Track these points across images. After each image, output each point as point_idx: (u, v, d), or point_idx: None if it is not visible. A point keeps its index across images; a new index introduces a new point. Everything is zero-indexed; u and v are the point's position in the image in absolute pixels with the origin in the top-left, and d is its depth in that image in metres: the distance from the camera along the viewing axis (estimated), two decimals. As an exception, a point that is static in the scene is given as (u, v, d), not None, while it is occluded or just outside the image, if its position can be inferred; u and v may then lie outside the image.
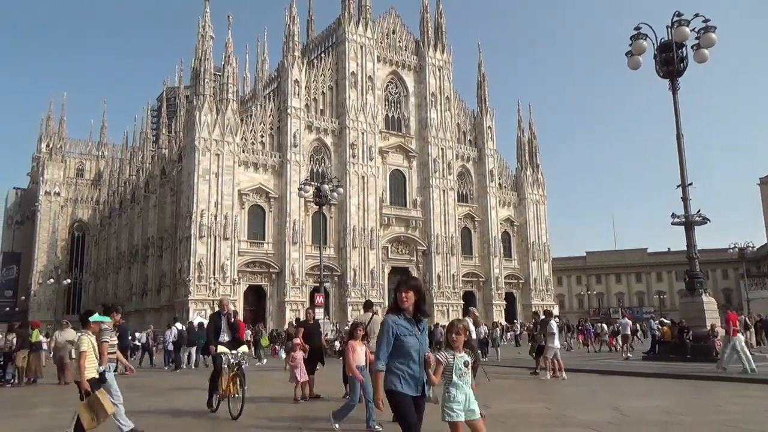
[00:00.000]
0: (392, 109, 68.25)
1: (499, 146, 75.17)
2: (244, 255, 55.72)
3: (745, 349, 15.34)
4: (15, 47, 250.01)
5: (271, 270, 56.97)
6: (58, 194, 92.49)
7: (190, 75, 61.31)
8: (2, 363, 16.21)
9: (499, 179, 74.17)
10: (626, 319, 26.53)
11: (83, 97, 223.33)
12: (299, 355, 11.58)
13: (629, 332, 25.64)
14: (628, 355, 23.50)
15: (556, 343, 15.23)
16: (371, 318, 9.73)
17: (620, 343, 25.84)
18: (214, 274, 52.48)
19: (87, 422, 6.64)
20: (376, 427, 7.87)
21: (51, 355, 17.97)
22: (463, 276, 67.34)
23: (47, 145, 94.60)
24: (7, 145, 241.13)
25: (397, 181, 66.95)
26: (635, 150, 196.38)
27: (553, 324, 14.06)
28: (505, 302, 70.18)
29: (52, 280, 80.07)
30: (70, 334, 14.30)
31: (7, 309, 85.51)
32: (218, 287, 52.42)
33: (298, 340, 12.97)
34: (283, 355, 25.92)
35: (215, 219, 53.31)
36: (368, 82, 64.60)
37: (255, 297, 56.91)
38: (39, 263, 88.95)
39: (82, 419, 6.68)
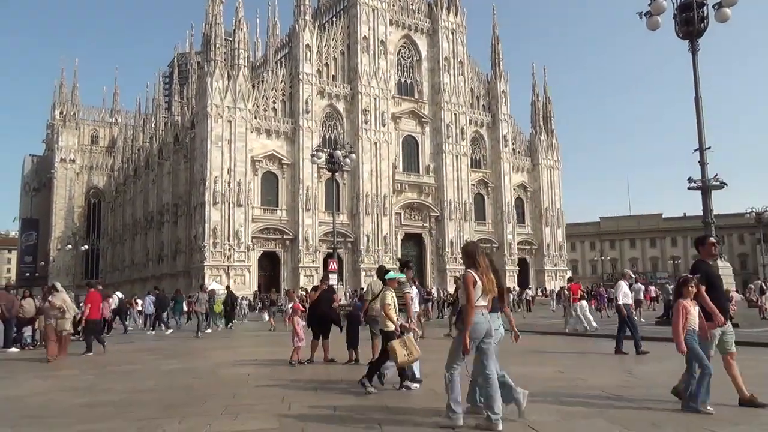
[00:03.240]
0: (405, 74, 67.43)
1: (513, 111, 74.32)
2: (258, 221, 56.10)
3: (587, 313, 19.39)
4: (27, 16, 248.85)
5: (284, 236, 57.40)
6: (74, 161, 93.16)
7: (201, 41, 60.75)
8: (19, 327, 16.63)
9: (513, 144, 73.48)
10: (639, 284, 26.51)
11: (95, 63, 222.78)
12: (298, 319, 11.96)
13: (642, 297, 25.66)
14: (641, 319, 23.58)
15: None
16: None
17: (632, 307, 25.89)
18: (228, 241, 52.99)
19: (401, 357, 7.36)
20: None
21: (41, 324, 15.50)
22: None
23: (61, 112, 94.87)
24: (23, 112, 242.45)
25: (410, 147, 66.58)
26: (652, 114, 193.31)
27: (622, 284, 13.98)
28: (518, 268, 70.32)
29: (70, 246, 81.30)
30: (59, 298, 13.63)
31: (27, 274, 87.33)
32: (233, 253, 53.00)
33: (296, 305, 13.24)
34: (266, 317, 27.95)
35: (229, 186, 53.55)
36: (380, 46, 63.73)
37: (269, 263, 57.50)
38: (57, 229, 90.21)
39: (396, 355, 7.35)
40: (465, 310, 5.79)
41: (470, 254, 6.03)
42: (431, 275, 64.13)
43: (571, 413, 6.51)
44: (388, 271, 8.76)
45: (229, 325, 25.49)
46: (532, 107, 75.84)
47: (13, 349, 15.78)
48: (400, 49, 67.21)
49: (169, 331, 23.63)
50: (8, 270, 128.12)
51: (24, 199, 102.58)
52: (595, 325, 18.95)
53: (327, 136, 60.26)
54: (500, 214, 69.99)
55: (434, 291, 41.66)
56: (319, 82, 60.57)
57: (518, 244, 71.30)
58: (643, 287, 26.83)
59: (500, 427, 5.53)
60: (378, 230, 60.92)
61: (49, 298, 12.94)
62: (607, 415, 6.32)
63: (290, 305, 24.09)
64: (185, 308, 28.15)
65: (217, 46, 55.14)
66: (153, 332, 23.48)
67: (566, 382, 8.78)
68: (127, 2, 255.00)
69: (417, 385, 8.20)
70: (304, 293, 27.38)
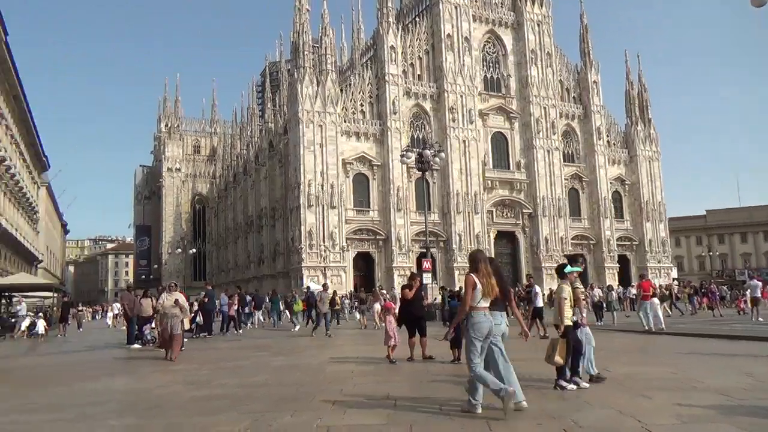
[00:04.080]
0: (490, 69, 66.42)
1: (605, 101, 71.24)
2: (351, 222, 57.24)
3: (658, 312, 18.79)
4: (132, 37, 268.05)
5: (377, 237, 58.21)
6: (179, 170, 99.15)
7: (290, 49, 62.89)
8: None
9: (608, 136, 70.43)
10: (755, 281, 24.65)
11: (195, 77, 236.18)
12: (390, 318, 12.12)
13: (759, 294, 23.85)
14: (759, 318, 21.94)
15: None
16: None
17: (749, 306, 24.15)
18: (323, 242, 54.45)
19: (561, 357, 7.62)
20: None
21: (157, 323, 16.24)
22: (571, 239, 65.17)
23: (166, 125, 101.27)
24: (135, 126, 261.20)
25: (499, 143, 65.50)
26: (762, 97, 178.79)
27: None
28: (618, 265, 67.29)
29: (179, 250, 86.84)
30: (172, 297, 13.90)
31: (143, 277, 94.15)
32: (328, 254, 54.41)
33: (389, 303, 13.40)
34: (358, 316, 27.95)
35: (322, 188, 55.02)
36: (464, 43, 63.18)
37: (364, 263, 58.53)
38: (167, 234, 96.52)
39: (559, 353, 7.61)
40: (460, 307, 6.72)
41: (472, 260, 6.68)
42: (526, 273, 62.72)
43: (693, 416, 6.18)
44: (565, 265, 8.69)
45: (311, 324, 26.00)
46: (627, 97, 72.36)
47: (136, 346, 17.08)
48: (484, 45, 66.30)
49: (239, 331, 23.47)
50: (126, 273, 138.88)
51: (137, 207, 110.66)
52: (662, 326, 18.31)
53: (415, 136, 60.51)
54: (596, 210, 67.30)
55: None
56: (405, 83, 60.93)
57: (617, 240, 68.21)
58: (759, 284, 24.90)
59: (479, 411, 6.31)
60: (470, 228, 60.41)
61: (165, 297, 13.79)
62: (735, 421, 5.88)
63: (376, 305, 24.53)
64: (281, 307, 29.00)
65: (306, 53, 56.84)
66: (241, 331, 23.59)
67: (680, 383, 8.36)
68: (220, 18, 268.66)
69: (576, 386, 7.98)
70: (385, 292, 27.82)
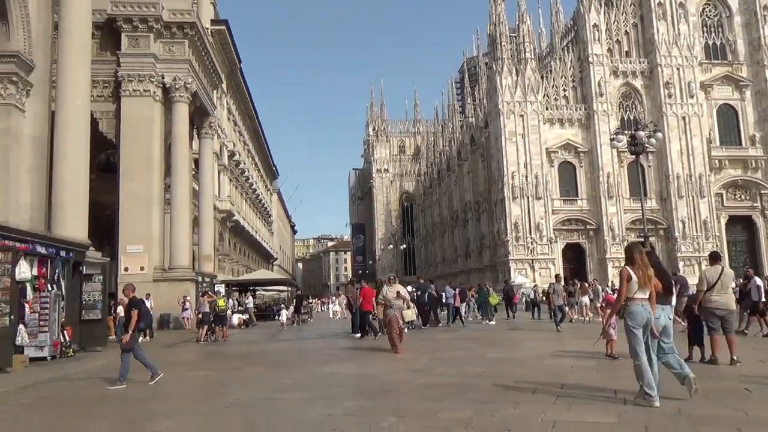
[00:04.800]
0: (712, 35, 59.09)
1: None
2: (558, 213, 55.31)
3: None
4: (341, 48, 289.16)
5: (587, 227, 55.47)
6: (387, 171, 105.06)
7: (486, 42, 62.70)
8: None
9: None
10: None
11: (397, 81, 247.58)
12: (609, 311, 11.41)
13: None
14: None
15: None
16: (722, 271, 8.86)
17: None
18: (530, 234, 53.44)
19: None
20: None
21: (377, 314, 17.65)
22: (829, 221, 55.32)
23: (373, 129, 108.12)
24: (346, 133, 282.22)
25: (727, 117, 58.06)
26: None
27: None
28: None
29: (391, 246, 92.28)
30: (394, 290, 14.12)
31: (360, 272, 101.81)
32: (536, 246, 53.27)
33: (609, 296, 12.61)
34: (567, 309, 25.51)
35: (526, 179, 54.01)
36: (679, 9, 57.04)
37: (574, 255, 56.20)
38: (379, 232, 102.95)
39: None
40: (616, 298, 7.01)
41: (628, 253, 6.80)
42: (769, 263, 54.78)
43: None
44: (720, 257, 7.92)
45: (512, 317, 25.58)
46: None
47: (359, 335, 18.56)
48: (703, 8, 59.18)
49: (453, 324, 23.38)
50: (345, 268, 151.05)
51: (352, 207, 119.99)
52: None
53: (625, 118, 56.44)
54: None
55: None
56: (611, 62, 57.04)
57: None
58: None
59: (657, 404, 6.28)
60: (695, 214, 54.56)
61: (386, 289, 14.57)
62: None
63: (584, 297, 23.29)
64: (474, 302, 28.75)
65: (503, 43, 56.22)
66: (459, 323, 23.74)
67: None
68: (419, 20, 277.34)
69: None
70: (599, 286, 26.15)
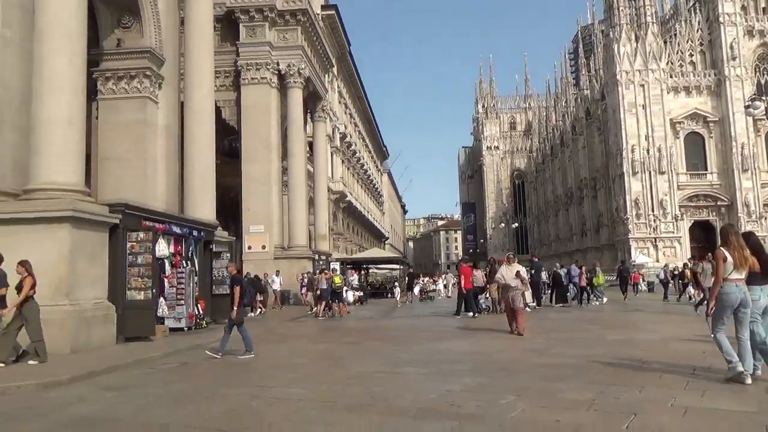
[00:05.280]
0: None
1: None
2: (684, 188, 51.65)
3: None
4: (449, 26, 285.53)
5: (718, 203, 51.38)
6: (497, 148, 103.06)
7: (602, 7, 59.19)
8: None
9: None
10: None
11: (507, 55, 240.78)
12: None
13: None
14: None
15: None
16: None
17: None
18: (652, 211, 50.40)
19: None
20: None
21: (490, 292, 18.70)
22: None
23: (483, 106, 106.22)
24: (455, 112, 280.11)
25: None
26: None
27: None
28: None
29: (502, 225, 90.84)
30: (512, 269, 13.71)
31: (471, 251, 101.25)
32: (659, 224, 50.20)
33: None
34: (692, 291, 23.46)
35: (647, 153, 50.85)
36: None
37: (702, 233, 52.29)
38: (490, 210, 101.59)
39: None
40: (714, 280, 6.97)
41: (722, 234, 6.93)
42: None
43: None
44: None
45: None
46: None
47: (471, 314, 18.55)
48: None
49: (585, 304, 22.64)
50: (456, 247, 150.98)
51: (461, 186, 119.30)
52: None
53: (762, 82, 51.32)
54: None
55: None
56: (746, 20, 51.90)
57: None
58: None
59: (749, 381, 6.43)
60: None
61: (504, 269, 14.28)
62: None
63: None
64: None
65: (621, 8, 52.93)
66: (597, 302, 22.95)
67: None
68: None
69: None
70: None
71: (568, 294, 22.82)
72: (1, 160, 11.62)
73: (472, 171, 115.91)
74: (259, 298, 21.82)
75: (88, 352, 10.57)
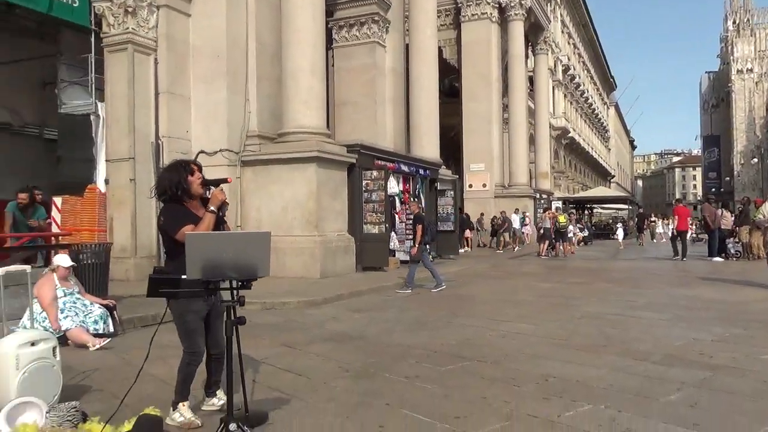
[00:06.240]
0: None
1: None
2: None
3: None
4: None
5: None
6: (750, 71, 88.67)
7: None
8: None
9: None
10: None
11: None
12: None
13: None
14: None
15: None
16: None
17: None
18: None
19: None
20: None
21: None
22: None
23: (733, 22, 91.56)
24: (698, 33, 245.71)
25: None
26: None
27: None
28: None
29: (755, 160, 78.64)
30: None
31: (713, 189, 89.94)
32: None
33: None
34: None
35: None
36: None
37: None
38: (738, 144, 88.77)
39: None
40: None
41: None
42: None
43: None
44: None
45: None
46: None
47: (718, 259, 16.67)
48: None
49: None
50: (693, 186, 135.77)
51: (703, 117, 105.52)
52: None
53: None
54: None
55: None
56: None
57: None
58: None
59: None
60: None
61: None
62: None
63: None
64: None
65: None
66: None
67: None
68: None
69: None
70: None
71: None
72: (261, 108, 13.27)
73: (717, 99, 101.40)
74: (467, 234, 22.37)
75: (334, 277, 11.91)
